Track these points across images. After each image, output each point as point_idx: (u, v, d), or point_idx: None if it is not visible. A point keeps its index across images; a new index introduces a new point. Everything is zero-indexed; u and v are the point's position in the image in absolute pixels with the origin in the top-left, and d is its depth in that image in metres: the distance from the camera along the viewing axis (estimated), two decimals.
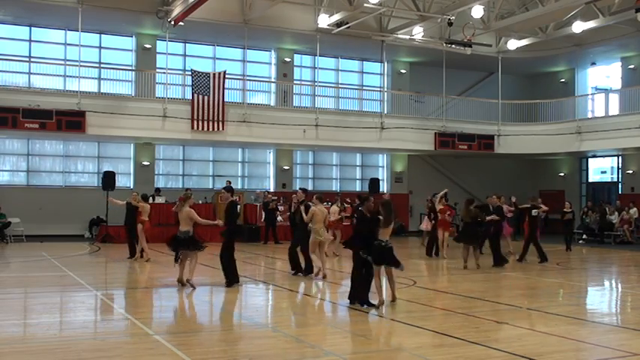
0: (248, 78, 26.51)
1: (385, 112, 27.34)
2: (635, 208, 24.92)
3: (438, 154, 29.11)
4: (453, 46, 23.98)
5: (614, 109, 28.09)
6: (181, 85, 25.69)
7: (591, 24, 23.41)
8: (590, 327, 9.45)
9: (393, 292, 10.57)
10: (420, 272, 15.66)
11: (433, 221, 18.99)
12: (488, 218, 16.54)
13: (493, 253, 16.65)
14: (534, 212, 17.60)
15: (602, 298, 13.30)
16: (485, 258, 16.94)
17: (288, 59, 27.79)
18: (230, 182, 24.56)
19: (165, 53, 24.21)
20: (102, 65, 25.11)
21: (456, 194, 26.27)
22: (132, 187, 25.57)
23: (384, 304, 10.26)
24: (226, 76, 24.08)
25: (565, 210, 21.29)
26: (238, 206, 12.32)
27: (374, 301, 10.26)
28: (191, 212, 12.15)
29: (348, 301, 10.48)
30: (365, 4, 21.63)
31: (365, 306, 10.19)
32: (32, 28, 24.53)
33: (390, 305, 10.32)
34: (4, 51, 23.98)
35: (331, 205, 18.74)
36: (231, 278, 12.33)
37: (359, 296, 10.34)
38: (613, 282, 15.58)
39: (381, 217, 10.27)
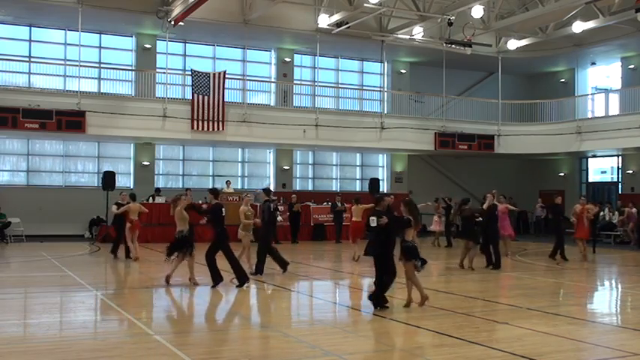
0: (248, 78, 26.50)
1: (385, 112, 27.33)
2: (635, 209, 24.87)
3: (438, 154, 29.10)
4: (453, 46, 23.94)
5: (614, 109, 28.08)
6: (181, 85, 25.69)
7: (591, 24, 23.39)
8: (590, 327, 9.45)
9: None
10: (419, 272, 15.59)
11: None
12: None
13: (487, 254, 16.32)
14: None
15: (602, 298, 13.31)
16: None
17: (288, 59, 27.77)
18: (230, 182, 24.61)
19: (165, 53, 24.21)
20: (102, 65, 25.10)
21: (455, 194, 26.22)
22: (132, 187, 25.58)
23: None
24: (226, 76, 24.07)
25: None
26: (223, 209, 12.45)
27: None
28: (180, 212, 12.53)
29: (374, 306, 10.10)
30: (365, 4, 21.62)
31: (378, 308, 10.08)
32: (32, 28, 24.52)
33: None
34: (4, 51, 23.96)
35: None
36: (215, 279, 12.39)
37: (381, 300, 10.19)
38: (613, 282, 15.58)
39: (411, 218, 10.29)
